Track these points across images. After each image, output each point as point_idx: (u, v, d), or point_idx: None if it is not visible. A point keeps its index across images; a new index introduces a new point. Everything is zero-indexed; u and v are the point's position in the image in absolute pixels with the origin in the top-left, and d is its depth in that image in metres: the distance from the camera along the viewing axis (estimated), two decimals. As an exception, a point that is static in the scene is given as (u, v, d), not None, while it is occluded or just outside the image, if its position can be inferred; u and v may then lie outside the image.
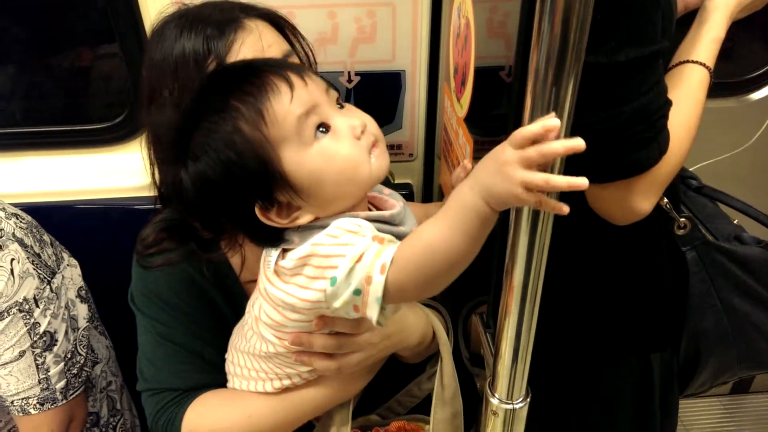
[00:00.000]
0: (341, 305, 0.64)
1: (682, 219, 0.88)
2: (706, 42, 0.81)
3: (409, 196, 1.25)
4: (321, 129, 0.66)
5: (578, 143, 0.51)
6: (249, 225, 0.68)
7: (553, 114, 0.53)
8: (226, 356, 0.87)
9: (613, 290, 0.93)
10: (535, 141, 0.52)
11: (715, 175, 1.13)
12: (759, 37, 1.40)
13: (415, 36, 1.12)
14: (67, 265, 1.12)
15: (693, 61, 0.81)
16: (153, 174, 0.86)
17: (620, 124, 0.70)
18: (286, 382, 0.80)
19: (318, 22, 1.09)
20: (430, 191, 1.28)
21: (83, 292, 1.15)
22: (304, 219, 0.67)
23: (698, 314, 0.92)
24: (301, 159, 0.65)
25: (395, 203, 0.75)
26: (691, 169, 1.11)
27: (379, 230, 0.67)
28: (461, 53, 0.93)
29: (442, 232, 0.60)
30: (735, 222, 1.00)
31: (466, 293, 1.13)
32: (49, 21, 1.25)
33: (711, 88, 0.83)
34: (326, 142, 0.66)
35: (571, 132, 0.55)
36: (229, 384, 0.85)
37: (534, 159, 0.52)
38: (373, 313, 0.63)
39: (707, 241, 0.91)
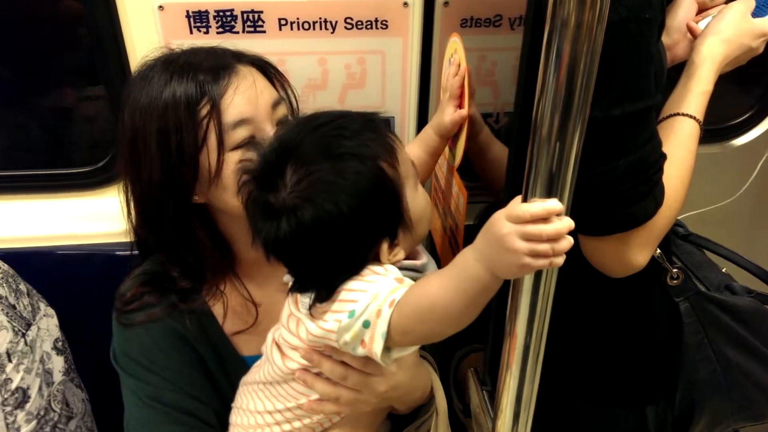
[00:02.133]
0: (351, 338, 0.66)
1: (675, 270, 0.88)
2: (695, 95, 0.82)
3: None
4: None
5: (571, 224, 0.52)
6: (336, 268, 0.68)
7: (555, 199, 0.52)
8: (233, 404, 0.84)
9: (607, 342, 0.92)
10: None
11: (701, 222, 1.14)
12: (741, 83, 1.42)
13: (405, 83, 1.13)
14: (44, 315, 1.07)
15: (683, 114, 0.82)
16: (131, 220, 0.85)
17: (616, 178, 0.70)
18: (297, 425, 0.78)
19: (308, 69, 1.10)
20: (419, 236, 1.27)
21: (59, 343, 1.10)
22: (401, 255, 0.71)
23: (692, 365, 0.91)
24: (413, 198, 0.71)
25: (422, 253, 0.78)
26: (679, 218, 1.11)
27: (409, 278, 0.69)
28: (454, 103, 0.93)
29: (444, 292, 0.61)
30: (723, 270, 1.01)
31: (455, 339, 1.11)
32: (30, 62, 1.22)
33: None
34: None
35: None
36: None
37: (535, 236, 0.51)
38: (377, 348, 0.64)
39: (699, 291, 0.91)
